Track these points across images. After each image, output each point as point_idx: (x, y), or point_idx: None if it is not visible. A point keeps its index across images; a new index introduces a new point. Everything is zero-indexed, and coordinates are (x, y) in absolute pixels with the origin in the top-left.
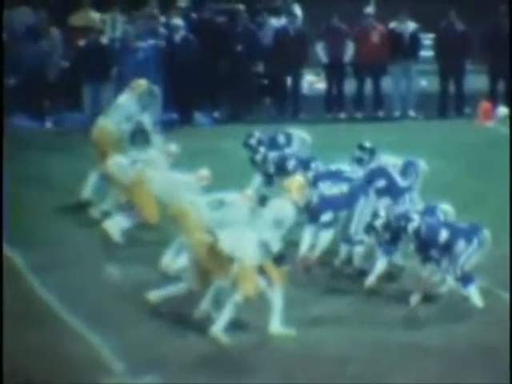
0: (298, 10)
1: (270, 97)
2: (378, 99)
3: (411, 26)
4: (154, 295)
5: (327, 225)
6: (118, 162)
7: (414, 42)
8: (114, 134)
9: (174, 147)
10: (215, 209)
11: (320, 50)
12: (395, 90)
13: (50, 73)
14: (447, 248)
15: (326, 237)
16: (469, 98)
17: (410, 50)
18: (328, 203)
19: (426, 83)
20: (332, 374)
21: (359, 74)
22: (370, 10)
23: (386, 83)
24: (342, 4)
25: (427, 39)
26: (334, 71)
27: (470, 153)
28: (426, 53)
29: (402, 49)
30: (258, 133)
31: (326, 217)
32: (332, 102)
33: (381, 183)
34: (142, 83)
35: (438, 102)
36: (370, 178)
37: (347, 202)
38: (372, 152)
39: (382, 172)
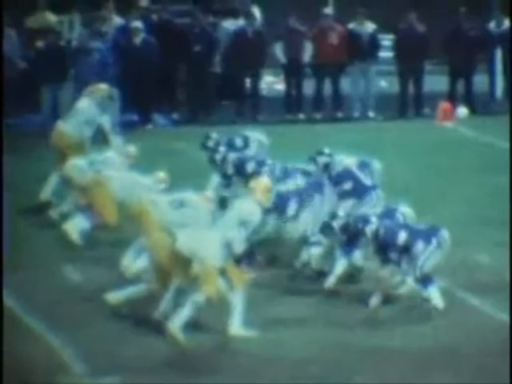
0: (256, 12)
1: (228, 98)
2: (337, 100)
3: (370, 26)
4: (114, 297)
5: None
6: (75, 164)
7: (373, 43)
8: (74, 139)
9: (132, 149)
10: (176, 209)
11: (278, 51)
12: (354, 90)
13: (9, 75)
14: (406, 249)
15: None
16: (428, 99)
17: (369, 50)
18: (287, 198)
19: (386, 84)
20: (293, 375)
21: (318, 74)
22: (328, 10)
23: (345, 84)
24: (300, 4)
25: (386, 40)
26: (293, 72)
27: (429, 153)
28: (386, 54)
29: (361, 49)
30: (215, 134)
31: (291, 210)
32: (291, 103)
33: (348, 185)
34: (103, 88)
35: (398, 102)
36: (336, 181)
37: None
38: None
39: (348, 174)
